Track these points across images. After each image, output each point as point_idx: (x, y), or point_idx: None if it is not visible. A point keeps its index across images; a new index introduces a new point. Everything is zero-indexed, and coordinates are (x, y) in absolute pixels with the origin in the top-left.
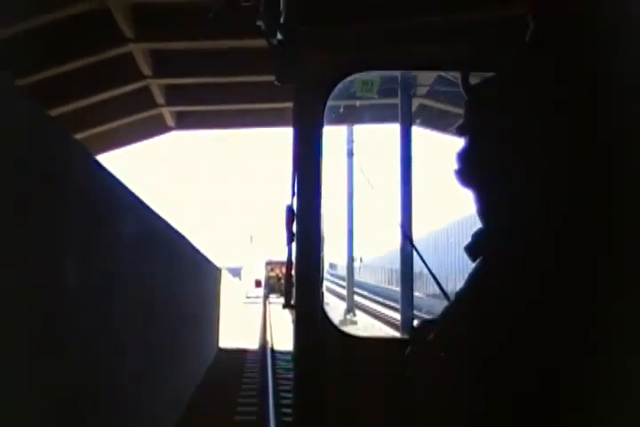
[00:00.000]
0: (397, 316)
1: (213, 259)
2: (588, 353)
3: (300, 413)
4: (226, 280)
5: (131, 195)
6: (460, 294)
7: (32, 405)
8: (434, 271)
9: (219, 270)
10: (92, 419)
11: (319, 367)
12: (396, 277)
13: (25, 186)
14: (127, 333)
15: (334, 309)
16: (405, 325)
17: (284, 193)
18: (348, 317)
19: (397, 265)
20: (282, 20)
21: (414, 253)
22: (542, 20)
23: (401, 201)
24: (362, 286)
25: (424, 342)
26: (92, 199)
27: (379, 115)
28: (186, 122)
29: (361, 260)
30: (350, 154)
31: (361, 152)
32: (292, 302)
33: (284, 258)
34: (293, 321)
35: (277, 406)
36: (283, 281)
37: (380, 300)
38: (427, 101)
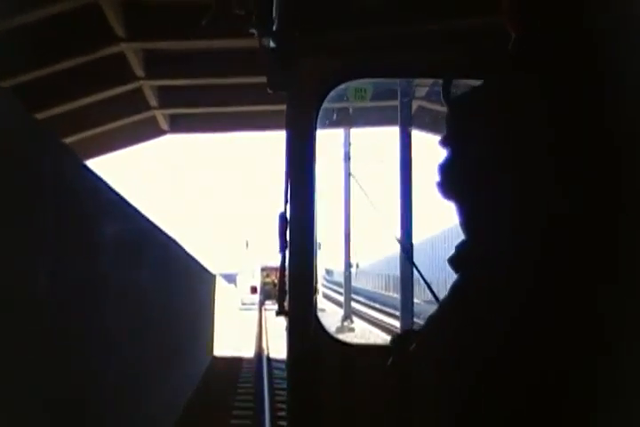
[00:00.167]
0: (395, 323)
1: (208, 265)
2: (573, 366)
3: (294, 422)
4: (220, 287)
5: (116, 196)
6: (442, 306)
7: None
8: (431, 276)
9: (213, 277)
10: None
11: (312, 375)
12: (393, 283)
13: None
14: (107, 347)
15: (331, 315)
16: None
17: (280, 198)
18: (346, 324)
19: (394, 271)
20: (274, 28)
21: (407, 254)
22: (524, 30)
23: (401, 206)
24: (358, 292)
25: (406, 352)
26: (70, 201)
27: (377, 117)
28: (180, 125)
29: (357, 266)
30: (347, 158)
31: (357, 156)
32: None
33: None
34: (287, 328)
35: (274, 418)
36: None
37: (378, 306)
38: (426, 104)
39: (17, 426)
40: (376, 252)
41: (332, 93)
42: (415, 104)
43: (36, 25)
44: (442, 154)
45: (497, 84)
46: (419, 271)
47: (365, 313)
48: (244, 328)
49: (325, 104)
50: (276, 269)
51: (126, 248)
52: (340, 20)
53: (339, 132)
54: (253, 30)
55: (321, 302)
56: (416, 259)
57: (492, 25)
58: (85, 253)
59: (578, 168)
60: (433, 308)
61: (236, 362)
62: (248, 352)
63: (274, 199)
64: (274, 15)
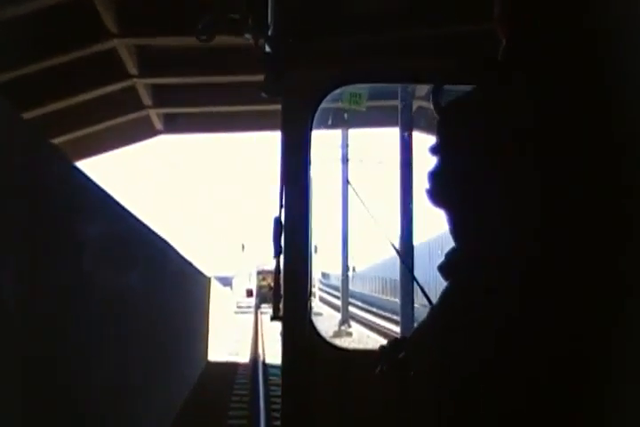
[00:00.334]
0: (393, 327)
1: (203, 268)
2: (560, 373)
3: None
4: (216, 290)
5: (102, 194)
6: (432, 313)
7: None
8: (432, 280)
9: (208, 280)
10: None
11: (307, 379)
12: (391, 286)
13: None
14: (85, 359)
15: (328, 319)
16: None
17: (277, 201)
18: (343, 328)
19: (391, 274)
20: (269, 34)
21: (406, 262)
22: (515, 36)
23: (401, 208)
24: (355, 295)
25: (394, 360)
26: (48, 199)
27: (375, 118)
28: (175, 125)
29: (354, 269)
30: (345, 160)
31: (355, 158)
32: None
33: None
34: (281, 333)
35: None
36: None
37: (375, 310)
38: (427, 104)
39: None
40: (373, 255)
41: (328, 97)
42: (415, 104)
43: (23, 20)
44: (432, 161)
45: (487, 92)
46: (412, 275)
47: (362, 317)
48: (239, 332)
49: (322, 105)
50: (272, 272)
51: (113, 249)
52: (334, 26)
53: (337, 133)
54: (248, 36)
55: (318, 307)
56: (417, 262)
57: (483, 32)
58: (66, 253)
59: (567, 176)
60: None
61: (231, 367)
62: (243, 357)
63: (271, 202)
64: (269, 21)
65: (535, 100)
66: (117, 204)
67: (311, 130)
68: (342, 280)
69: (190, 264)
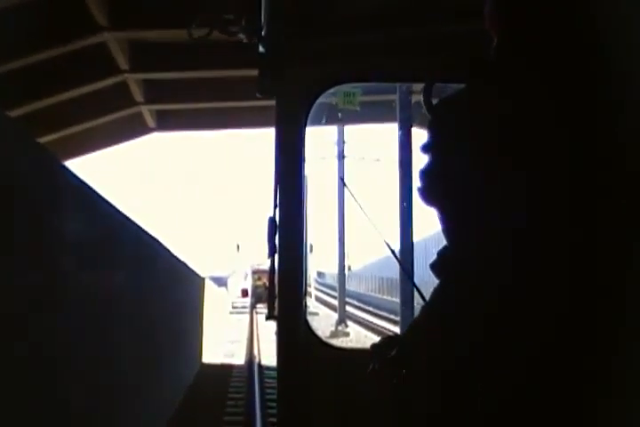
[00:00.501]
0: (390, 326)
1: (197, 267)
2: (550, 372)
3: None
4: (211, 291)
5: (82, 187)
6: (423, 311)
7: None
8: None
9: (202, 280)
10: None
11: (303, 379)
12: (387, 285)
13: None
14: (65, 358)
15: (324, 319)
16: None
17: (271, 200)
18: (340, 328)
19: (387, 273)
20: (263, 34)
21: (404, 261)
22: (504, 34)
23: (400, 205)
24: (351, 294)
25: (386, 358)
26: (18, 192)
27: (371, 114)
28: (168, 122)
29: (350, 268)
30: (341, 156)
31: (351, 154)
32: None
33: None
34: (276, 333)
35: None
36: None
37: (371, 309)
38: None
39: None
40: (369, 254)
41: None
42: (413, 99)
43: (6, 13)
44: (423, 160)
45: (478, 91)
46: (408, 275)
47: (359, 317)
48: (234, 333)
49: (318, 100)
50: (267, 272)
51: (97, 248)
52: (327, 26)
53: (333, 129)
54: (242, 36)
55: (314, 306)
56: (418, 259)
57: (476, 30)
58: (38, 252)
59: (559, 175)
60: None
61: (226, 369)
62: (239, 359)
63: (266, 201)
64: (262, 21)
65: (522, 100)
66: (103, 200)
67: (305, 129)
68: (339, 280)
69: (183, 264)
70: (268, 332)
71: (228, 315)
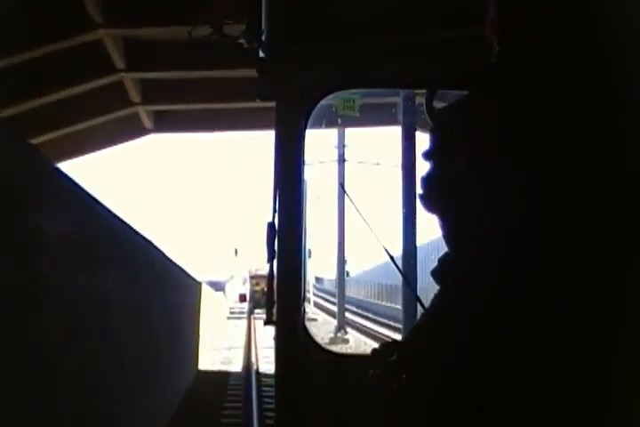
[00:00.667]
0: (390, 333)
1: (194, 272)
2: (551, 375)
3: None
4: (208, 296)
5: (65, 180)
6: (424, 317)
7: None
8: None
9: (198, 284)
10: None
11: (301, 385)
12: (387, 291)
13: None
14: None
15: (323, 325)
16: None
17: (270, 204)
18: (339, 335)
19: (387, 280)
20: (263, 39)
21: (407, 267)
22: (506, 41)
23: (403, 210)
24: (350, 301)
25: (386, 363)
26: None
27: (373, 116)
28: (166, 123)
29: (348, 274)
30: (341, 160)
31: (352, 157)
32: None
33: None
34: (275, 338)
35: None
36: None
37: (371, 315)
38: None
39: None
40: (368, 259)
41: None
42: (417, 100)
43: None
44: (425, 166)
45: (480, 98)
46: (410, 282)
47: (358, 323)
48: (231, 339)
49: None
50: (265, 277)
51: (81, 248)
52: (327, 31)
53: (333, 133)
54: (243, 40)
55: (312, 312)
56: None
57: (477, 36)
58: (13, 252)
59: (560, 182)
60: None
61: (223, 376)
62: (236, 365)
63: (265, 205)
64: (263, 25)
65: (523, 107)
66: (90, 197)
67: (305, 135)
68: (338, 286)
69: (179, 268)
70: (266, 338)
71: (225, 320)
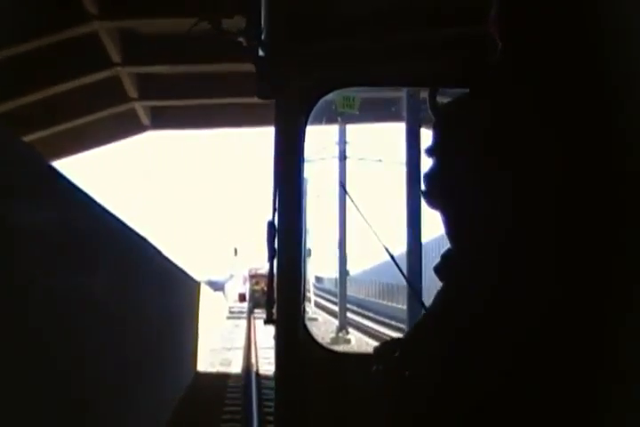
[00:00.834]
0: (391, 333)
1: (195, 272)
2: (552, 374)
3: None
4: (207, 295)
5: (50, 171)
6: (427, 314)
7: None
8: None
9: (197, 284)
10: None
11: (301, 384)
12: (387, 290)
13: None
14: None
15: (324, 325)
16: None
17: (270, 203)
18: (341, 335)
19: (386, 278)
20: (263, 38)
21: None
22: (509, 39)
23: (407, 207)
24: (351, 300)
25: (389, 359)
26: None
27: (375, 112)
28: (163, 120)
29: (348, 273)
30: (342, 157)
31: (353, 154)
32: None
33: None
34: (275, 337)
35: None
36: None
37: (372, 315)
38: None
39: None
40: (368, 258)
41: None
42: (421, 95)
43: None
44: (428, 162)
45: (483, 95)
46: (405, 278)
47: (360, 323)
48: (231, 339)
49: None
50: (265, 276)
51: (68, 246)
52: (327, 30)
53: (331, 128)
54: (242, 39)
55: (313, 312)
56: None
57: (478, 34)
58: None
59: (561, 180)
60: None
61: (222, 378)
62: (236, 367)
63: (265, 204)
64: (262, 25)
65: (533, 104)
66: (79, 191)
67: (305, 133)
68: (340, 285)
69: (177, 267)
70: (266, 337)
71: (224, 320)
